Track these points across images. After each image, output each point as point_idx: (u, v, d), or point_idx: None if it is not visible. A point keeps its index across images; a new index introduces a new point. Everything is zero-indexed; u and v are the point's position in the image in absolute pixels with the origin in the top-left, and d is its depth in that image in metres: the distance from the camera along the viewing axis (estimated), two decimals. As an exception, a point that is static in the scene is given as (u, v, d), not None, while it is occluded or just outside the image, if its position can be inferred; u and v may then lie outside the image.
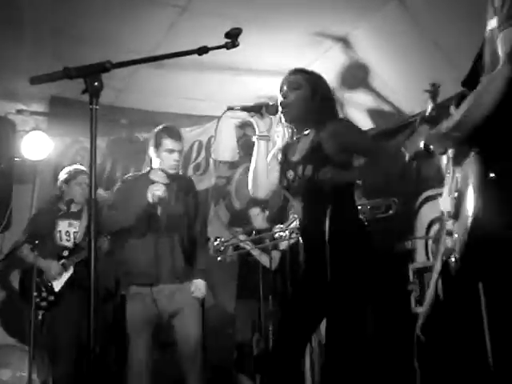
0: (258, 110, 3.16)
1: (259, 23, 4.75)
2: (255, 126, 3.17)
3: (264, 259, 5.49)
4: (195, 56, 2.23)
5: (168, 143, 4.28)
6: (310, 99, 3.10)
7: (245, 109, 3.18)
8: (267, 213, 6.04)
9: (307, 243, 3.14)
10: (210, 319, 5.67)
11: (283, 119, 3.15)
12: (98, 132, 1.98)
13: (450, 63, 4.51)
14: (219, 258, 5.05)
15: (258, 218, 6.02)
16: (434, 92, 2.49)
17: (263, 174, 3.18)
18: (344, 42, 5.16)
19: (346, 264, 2.89)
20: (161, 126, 4.39)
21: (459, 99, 2.27)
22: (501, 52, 1.92)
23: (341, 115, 3.24)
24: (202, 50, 2.19)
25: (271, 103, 3.17)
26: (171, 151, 4.29)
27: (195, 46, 2.22)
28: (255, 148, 3.18)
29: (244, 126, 6.57)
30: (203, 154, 6.84)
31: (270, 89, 4.14)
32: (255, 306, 5.43)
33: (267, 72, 5.60)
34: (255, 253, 5.61)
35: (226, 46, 2.22)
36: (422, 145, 2.16)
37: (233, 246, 5.54)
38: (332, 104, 3.20)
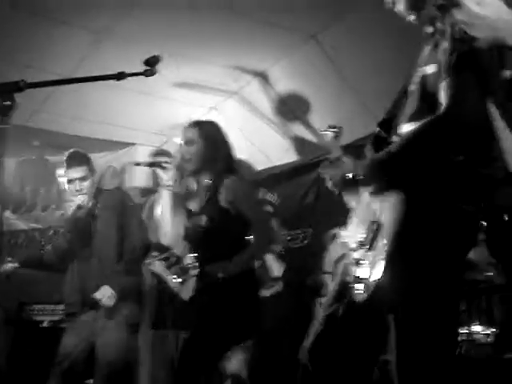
0: (159, 164, 3.34)
1: (179, 53, 4.76)
2: (159, 177, 3.31)
3: (178, 289, 5.33)
4: (113, 81, 2.22)
5: (66, 173, 4.24)
6: (203, 153, 3.31)
7: (149, 164, 3.42)
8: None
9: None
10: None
11: (185, 173, 3.35)
12: (7, 152, 1.92)
13: (363, 106, 4.65)
14: None
15: (179, 245, 5.77)
16: (335, 133, 2.56)
17: (167, 222, 3.29)
18: (262, 77, 5.24)
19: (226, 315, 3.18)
20: (60, 157, 4.33)
21: (374, 139, 2.36)
22: (444, 97, 1.99)
23: (235, 159, 3.45)
24: (120, 76, 2.18)
25: (173, 158, 3.34)
26: (70, 181, 4.23)
27: (114, 72, 2.20)
28: (159, 198, 3.30)
29: (158, 154, 6.53)
30: (117, 179, 6.75)
31: (187, 119, 4.17)
32: (172, 339, 5.27)
33: (185, 102, 5.62)
34: (169, 281, 5.41)
35: (145, 74, 2.21)
36: (350, 174, 2.20)
37: (151, 272, 5.42)
38: (227, 152, 3.39)
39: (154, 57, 2.20)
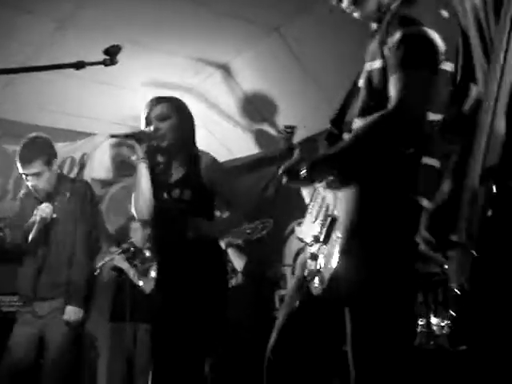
0: (136, 136, 3.26)
1: (141, 43, 4.73)
2: (136, 150, 3.25)
3: (140, 281, 5.29)
4: (74, 71, 2.20)
5: (20, 169, 4.06)
6: (180, 128, 3.29)
7: (126, 136, 3.33)
8: (147, 231, 5.72)
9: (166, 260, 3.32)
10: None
11: (155, 147, 3.29)
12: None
13: (326, 99, 4.67)
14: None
15: (137, 233, 5.74)
16: (289, 134, 2.59)
17: (147, 194, 3.24)
18: (225, 69, 5.23)
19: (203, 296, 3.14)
20: (18, 147, 4.11)
21: (327, 136, 2.37)
22: (392, 94, 2.01)
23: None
24: (79, 65, 2.16)
25: (147, 131, 3.26)
26: (25, 176, 4.07)
27: (75, 60, 2.18)
28: (137, 171, 3.25)
29: (119, 145, 6.48)
30: (76, 170, 6.68)
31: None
32: (130, 332, 5.24)
33: (147, 92, 5.57)
34: (131, 274, 5.38)
35: (105, 63, 2.19)
36: (303, 170, 2.21)
37: (110, 267, 5.37)
38: (194, 131, 3.40)
39: (114, 46, 2.18)
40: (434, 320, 3.58)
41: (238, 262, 5.17)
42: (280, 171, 2.27)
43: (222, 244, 4.90)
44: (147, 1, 4.25)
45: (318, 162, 2.17)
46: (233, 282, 5.13)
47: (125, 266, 5.36)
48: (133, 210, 3.32)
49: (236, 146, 6.15)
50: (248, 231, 5.12)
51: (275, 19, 4.48)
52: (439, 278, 3.48)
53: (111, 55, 2.19)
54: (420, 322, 3.57)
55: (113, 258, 5.33)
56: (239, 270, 5.15)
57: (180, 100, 3.42)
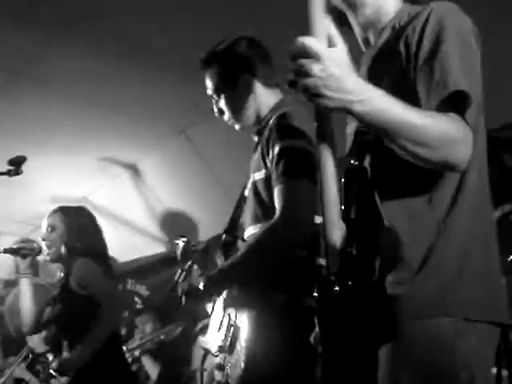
0: (20, 251, 3.24)
1: (50, 142, 4.72)
2: (17, 266, 3.20)
3: None
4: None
5: None
6: (64, 239, 3.25)
7: (7, 251, 3.27)
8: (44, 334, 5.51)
9: None
10: None
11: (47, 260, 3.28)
12: None
13: (231, 201, 4.77)
14: None
15: (34, 337, 5.49)
16: (184, 243, 2.64)
17: (27, 313, 3.17)
18: (133, 169, 5.27)
19: None
20: None
21: (223, 245, 2.43)
22: (277, 204, 2.10)
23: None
24: (-17, 174, 2.15)
25: (32, 246, 3.24)
26: None
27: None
28: (19, 287, 3.19)
29: (23, 243, 6.31)
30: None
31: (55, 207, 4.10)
32: None
33: (54, 191, 5.51)
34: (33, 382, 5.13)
35: (9, 173, 2.20)
36: (201, 286, 2.23)
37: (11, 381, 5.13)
38: (88, 236, 3.32)
39: (19, 157, 2.20)
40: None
41: (152, 369, 5.11)
42: (179, 293, 2.30)
43: (137, 352, 4.86)
44: (58, 102, 4.27)
45: (213, 277, 2.22)
46: None
47: (26, 376, 5.12)
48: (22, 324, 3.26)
49: (142, 246, 6.11)
50: (162, 337, 5.10)
51: (182, 122, 4.59)
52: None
53: (16, 165, 2.20)
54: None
55: (13, 370, 5.09)
56: (153, 378, 5.08)
57: (76, 210, 3.41)
